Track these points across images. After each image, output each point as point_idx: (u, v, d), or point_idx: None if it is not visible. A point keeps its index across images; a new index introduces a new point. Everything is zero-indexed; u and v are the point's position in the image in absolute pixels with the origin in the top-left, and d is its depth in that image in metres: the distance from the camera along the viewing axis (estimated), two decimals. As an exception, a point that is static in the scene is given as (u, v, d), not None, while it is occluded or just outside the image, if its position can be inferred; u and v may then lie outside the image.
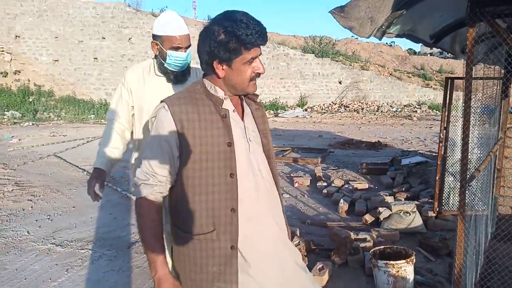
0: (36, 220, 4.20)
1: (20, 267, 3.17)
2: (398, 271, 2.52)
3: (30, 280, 2.97)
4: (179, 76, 2.00)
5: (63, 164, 6.86)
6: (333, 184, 5.27)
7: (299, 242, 3.12)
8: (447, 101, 3.86)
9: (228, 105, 1.30)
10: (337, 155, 7.61)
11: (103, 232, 3.87)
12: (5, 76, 15.99)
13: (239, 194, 1.26)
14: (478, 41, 2.55)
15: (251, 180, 1.30)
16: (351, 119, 14.64)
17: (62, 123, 13.45)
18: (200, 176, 1.24)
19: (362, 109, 16.60)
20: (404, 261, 2.54)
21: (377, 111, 16.34)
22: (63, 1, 17.04)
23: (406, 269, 2.54)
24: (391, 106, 17.16)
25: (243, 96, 1.36)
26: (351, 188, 5.08)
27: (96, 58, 16.82)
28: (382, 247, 2.82)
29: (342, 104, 17.39)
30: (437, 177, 3.88)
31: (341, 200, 4.40)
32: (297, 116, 15.39)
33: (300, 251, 2.87)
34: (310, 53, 18.66)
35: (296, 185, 5.38)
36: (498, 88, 3.26)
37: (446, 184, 3.89)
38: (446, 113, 3.86)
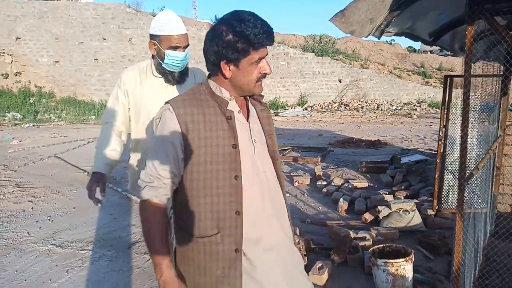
0: (37, 221, 4.22)
1: (20, 268, 3.18)
2: (397, 270, 2.52)
3: (30, 281, 2.98)
4: (177, 77, 1.97)
5: (64, 165, 6.87)
6: (332, 183, 5.27)
7: (298, 241, 3.12)
8: (447, 99, 3.85)
9: (233, 106, 1.29)
10: (337, 154, 7.61)
11: (104, 233, 3.88)
12: (6, 78, 16.02)
13: (244, 196, 1.25)
14: (477, 38, 2.55)
15: (256, 182, 1.29)
16: (351, 117, 14.63)
17: (63, 124, 13.47)
18: (205, 178, 1.23)
19: (362, 107, 16.58)
20: (403, 259, 2.55)
21: (377, 109, 16.32)
22: (64, 3, 17.08)
23: (405, 267, 2.54)
24: (391, 104, 17.14)
25: (248, 97, 1.35)
26: (350, 186, 5.08)
27: (96, 59, 16.84)
28: (382, 245, 2.82)
29: (342, 103, 17.38)
30: (436, 175, 3.87)
31: (341, 199, 4.40)
32: (297, 115, 15.39)
33: (300, 250, 2.87)
34: (310, 52, 18.65)
35: (296, 184, 5.38)
36: (498, 85, 3.26)
37: (445, 182, 3.89)
38: (446, 111, 3.86)
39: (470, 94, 2.09)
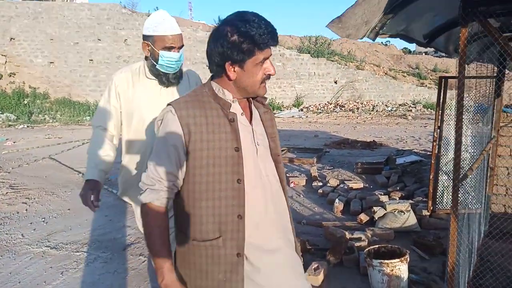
0: (31, 223, 4.19)
1: (14, 270, 3.15)
2: (392, 270, 2.53)
3: (24, 283, 2.95)
4: (171, 79, 1.92)
5: (59, 167, 6.83)
6: (328, 184, 5.28)
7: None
8: (441, 101, 3.88)
9: (236, 108, 1.27)
10: (332, 154, 7.64)
11: (99, 234, 3.86)
12: (0, 79, 15.90)
13: (246, 200, 1.23)
14: (471, 41, 2.57)
15: (259, 185, 1.27)
16: (346, 118, 14.68)
17: (58, 125, 13.39)
18: (207, 181, 1.22)
19: (358, 108, 16.64)
20: (398, 260, 2.56)
21: (373, 110, 16.39)
22: (58, 3, 17.00)
23: (400, 268, 2.55)
24: (386, 105, 17.22)
25: (251, 99, 1.34)
26: (346, 187, 5.09)
27: (91, 60, 16.77)
28: (377, 246, 2.83)
29: (337, 104, 17.44)
30: (431, 176, 3.90)
31: (336, 200, 4.42)
32: (293, 116, 15.41)
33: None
34: (305, 53, 18.71)
35: (291, 185, 5.39)
36: (491, 87, 3.29)
37: (440, 183, 3.92)
38: (440, 112, 3.88)
39: (464, 95, 2.11)
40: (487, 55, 3.21)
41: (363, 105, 17.04)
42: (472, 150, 3.33)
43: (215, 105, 1.24)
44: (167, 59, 1.85)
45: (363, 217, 3.89)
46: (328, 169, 6.21)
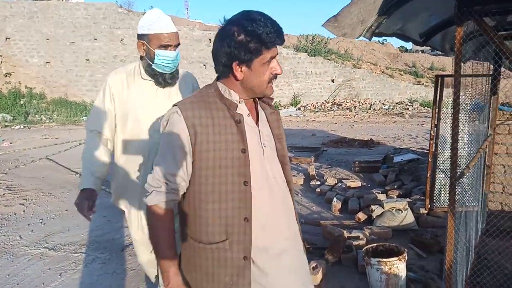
0: (29, 224, 4.17)
1: (12, 272, 3.15)
2: (390, 269, 2.54)
3: (22, 285, 2.95)
4: (168, 79, 1.87)
5: (56, 167, 6.81)
6: (326, 183, 5.30)
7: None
8: (438, 99, 3.89)
9: (242, 109, 1.26)
10: (330, 153, 7.65)
11: (97, 235, 3.85)
12: (-5, 79, 15.82)
13: (252, 202, 1.22)
14: (466, 39, 2.58)
15: (266, 188, 1.26)
16: (344, 117, 14.71)
17: (54, 125, 13.34)
18: (213, 183, 1.20)
19: (355, 107, 16.68)
20: (396, 258, 2.57)
21: (370, 109, 16.44)
22: (54, 3, 16.90)
23: (398, 266, 2.56)
24: (383, 104, 17.27)
25: (257, 100, 1.32)
26: (344, 186, 5.11)
27: (88, 60, 16.71)
28: (375, 244, 2.84)
29: (335, 103, 17.47)
30: (428, 174, 3.91)
31: (334, 199, 4.43)
32: (290, 115, 15.43)
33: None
34: (302, 52, 18.73)
35: (289, 184, 5.39)
36: (487, 85, 3.30)
37: (437, 181, 3.94)
38: (437, 110, 3.90)
39: (461, 93, 2.12)
40: (483, 54, 3.23)
41: (360, 104, 17.08)
42: (469, 148, 3.35)
43: (221, 105, 1.23)
44: (163, 58, 1.80)
45: (361, 216, 3.91)
46: (326, 168, 6.22)
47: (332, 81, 18.27)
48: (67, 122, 13.83)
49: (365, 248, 2.81)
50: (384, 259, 2.56)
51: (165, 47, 1.79)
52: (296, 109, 16.92)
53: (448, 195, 2.04)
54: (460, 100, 2.23)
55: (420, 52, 25.97)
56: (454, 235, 2.00)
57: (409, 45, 29.81)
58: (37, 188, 5.47)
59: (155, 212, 1.23)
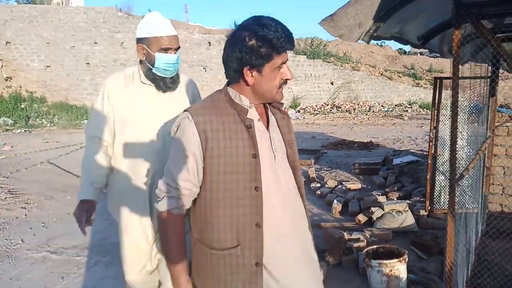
0: (31, 228, 4.19)
1: (15, 276, 3.16)
2: (391, 270, 2.56)
3: (25, 288, 2.96)
4: (168, 83, 1.82)
5: (57, 171, 6.83)
6: (326, 185, 5.31)
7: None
8: (436, 101, 3.92)
9: (253, 114, 1.25)
10: (330, 156, 7.67)
11: (99, 239, 3.86)
12: (-4, 83, 15.85)
13: (264, 208, 1.21)
14: (464, 42, 2.60)
15: (277, 193, 1.25)
16: (343, 119, 14.74)
17: (55, 129, 13.36)
18: (224, 188, 1.20)
19: (354, 109, 16.71)
20: (397, 260, 2.58)
21: (369, 111, 16.46)
22: (54, 7, 16.97)
23: (399, 268, 2.58)
24: (382, 106, 17.30)
25: (268, 105, 1.32)
26: (344, 188, 5.12)
27: (88, 63, 16.74)
28: (375, 246, 2.86)
29: (334, 105, 17.49)
30: (428, 176, 3.93)
31: (335, 201, 4.44)
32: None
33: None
34: (301, 54, 18.75)
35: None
36: (486, 87, 3.32)
37: (437, 182, 3.95)
38: (436, 112, 3.92)
39: (460, 95, 2.14)
40: (481, 56, 3.25)
41: (360, 106, 17.11)
42: (468, 150, 3.37)
43: (232, 111, 1.23)
44: (164, 62, 1.76)
45: (361, 218, 3.92)
46: (326, 170, 6.24)
47: (331, 83, 18.31)
48: (68, 126, 13.85)
49: (365, 250, 2.82)
50: (385, 261, 2.58)
51: (166, 50, 1.76)
52: (296, 112, 16.94)
53: (448, 196, 2.05)
54: (459, 102, 2.25)
55: (419, 54, 26.01)
56: (454, 236, 2.01)
57: (407, 48, 29.86)
58: (38, 192, 5.48)
59: (167, 219, 1.23)
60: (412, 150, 7.48)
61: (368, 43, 2.28)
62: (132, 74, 1.85)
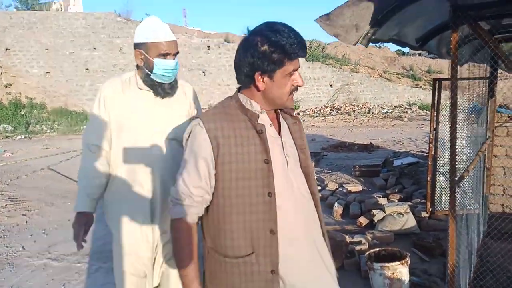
0: (31, 235, 4.18)
1: (16, 284, 3.14)
2: (393, 273, 2.55)
3: (26, 296, 2.95)
4: (167, 89, 1.78)
5: (57, 177, 6.82)
6: (327, 188, 5.31)
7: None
8: (436, 102, 3.92)
9: (264, 119, 1.25)
10: (330, 158, 7.67)
11: (100, 245, 3.85)
12: (-4, 90, 15.88)
13: (278, 214, 1.20)
14: (462, 44, 2.61)
15: (290, 199, 1.24)
16: (343, 121, 14.75)
17: (55, 135, 13.37)
18: (237, 195, 1.19)
19: (354, 111, 16.73)
20: (399, 262, 2.57)
21: (369, 112, 16.48)
22: (53, 13, 17.04)
23: (401, 270, 2.57)
24: (382, 107, 17.32)
25: (279, 110, 1.32)
26: (345, 191, 5.12)
27: (87, 69, 16.78)
28: (377, 249, 2.85)
29: (333, 107, 17.52)
30: (428, 178, 3.92)
31: (336, 204, 4.44)
32: (290, 121, 15.43)
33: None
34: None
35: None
36: (485, 87, 3.33)
37: (437, 184, 3.95)
38: (435, 113, 3.92)
39: (459, 95, 2.14)
40: (478, 57, 3.26)
41: (359, 108, 17.13)
42: (468, 151, 3.36)
43: (243, 117, 1.22)
44: (162, 68, 1.72)
45: (363, 220, 3.91)
46: (326, 173, 6.23)
47: (331, 85, 18.34)
48: (68, 132, 13.86)
49: (367, 253, 2.81)
50: (387, 264, 2.57)
51: (164, 55, 1.73)
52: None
53: (449, 198, 2.05)
54: (458, 103, 2.25)
55: (417, 55, 26.06)
56: (456, 238, 2.01)
57: (406, 49, 29.89)
58: (39, 199, 5.48)
59: (179, 227, 1.23)
60: (412, 152, 7.48)
61: (366, 46, 2.28)
62: (129, 79, 1.82)
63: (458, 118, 2.28)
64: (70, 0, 21.77)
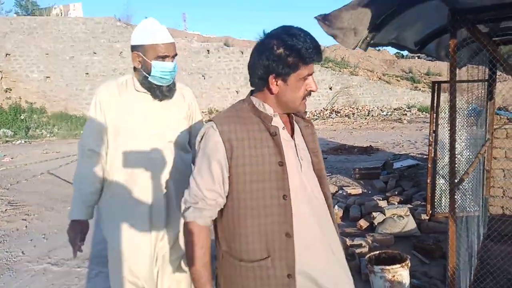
0: (31, 240, 4.17)
1: (16, 288, 3.14)
2: (394, 276, 2.54)
3: (26, 301, 2.94)
4: (165, 91, 1.76)
5: (57, 181, 6.82)
6: (327, 191, 5.30)
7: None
8: (435, 105, 3.93)
9: (277, 122, 1.24)
10: (330, 161, 7.67)
11: (100, 249, 3.83)
12: (-4, 95, 15.90)
13: (293, 217, 1.19)
14: (460, 47, 2.62)
15: (305, 201, 1.23)
16: (342, 124, 14.76)
17: (55, 139, 13.38)
18: (251, 198, 1.18)
19: (353, 114, 16.75)
20: (399, 265, 2.57)
21: (368, 115, 16.50)
22: (53, 18, 17.09)
23: (401, 273, 2.56)
24: (381, 110, 17.34)
25: (292, 114, 1.32)
26: (345, 194, 5.12)
27: (87, 74, 16.82)
28: (378, 252, 2.84)
29: (333, 110, 17.54)
30: (428, 180, 3.93)
31: (336, 206, 4.43)
32: (290, 124, 15.45)
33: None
34: (300, 60, 18.82)
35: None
36: (484, 90, 3.34)
37: (437, 186, 3.95)
38: (435, 116, 3.93)
39: (458, 98, 2.15)
40: (477, 60, 3.27)
41: (359, 110, 17.15)
42: (468, 153, 3.37)
43: (256, 119, 1.22)
44: (160, 70, 1.70)
45: (363, 223, 3.91)
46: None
47: (330, 88, 18.37)
48: (68, 136, 13.87)
49: (368, 256, 2.81)
50: (387, 267, 2.56)
51: (162, 58, 1.70)
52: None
53: (449, 200, 2.05)
54: (457, 106, 2.26)
55: (416, 58, 26.12)
56: (456, 240, 2.01)
57: (405, 51, 29.97)
58: (39, 203, 5.47)
59: (192, 230, 1.21)
60: (412, 154, 7.49)
61: (365, 50, 2.29)
62: (125, 82, 1.79)
63: (457, 120, 2.29)
64: (70, 5, 21.84)
